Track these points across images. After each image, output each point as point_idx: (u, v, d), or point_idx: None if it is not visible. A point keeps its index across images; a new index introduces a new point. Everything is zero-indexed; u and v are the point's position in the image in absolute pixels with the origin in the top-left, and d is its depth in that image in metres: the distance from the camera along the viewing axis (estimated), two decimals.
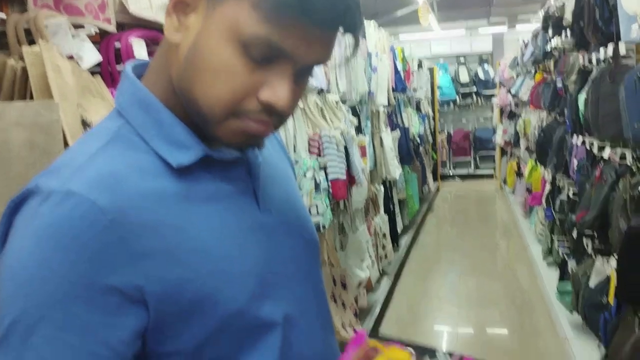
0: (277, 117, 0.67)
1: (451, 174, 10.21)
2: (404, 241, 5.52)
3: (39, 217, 0.60)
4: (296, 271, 0.78)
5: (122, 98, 0.72)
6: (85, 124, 1.18)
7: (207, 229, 0.67)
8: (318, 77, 2.94)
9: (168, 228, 0.64)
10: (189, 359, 0.67)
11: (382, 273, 4.37)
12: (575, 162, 3.56)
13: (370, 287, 3.80)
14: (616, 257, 2.38)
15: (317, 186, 2.67)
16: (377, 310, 3.86)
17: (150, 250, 0.62)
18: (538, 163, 5.06)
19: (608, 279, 2.74)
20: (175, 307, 0.64)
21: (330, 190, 2.86)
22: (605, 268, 2.80)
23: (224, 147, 0.71)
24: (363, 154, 3.53)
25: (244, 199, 0.73)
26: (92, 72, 1.33)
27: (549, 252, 4.60)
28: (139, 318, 0.62)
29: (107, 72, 1.42)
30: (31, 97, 1.10)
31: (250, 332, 0.69)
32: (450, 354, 0.64)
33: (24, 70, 1.09)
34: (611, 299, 2.61)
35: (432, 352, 0.64)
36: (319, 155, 2.81)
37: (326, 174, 2.81)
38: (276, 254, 0.75)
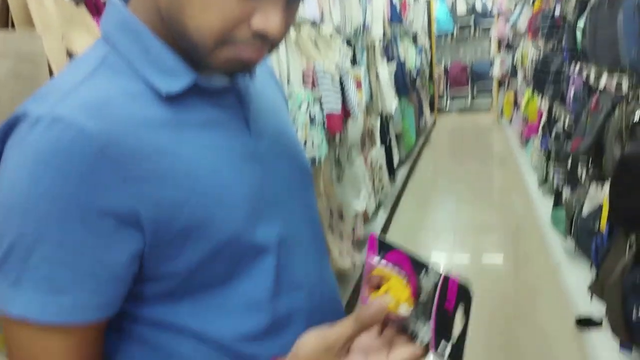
0: (269, 43, 0.67)
1: (448, 107, 10.15)
2: (401, 174, 5.56)
3: (29, 144, 0.60)
4: (289, 197, 0.79)
5: (108, 25, 0.70)
6: (70, 56, 1.16)
7: (199, 154, 0.67)
8: (311, 8, 2.87)
9: (159, 153, 0.64)
10: (184, 281, 0.69)
11: (379, 205, 4.42)
12: (572, 91, 3.53)
13: (367, 219, 3.86)
14: (609, 184, 2.40)
15: (312, 119, 2.66)
16: None
17: (142, 174, 0.63)
18: (535, 94, 5.02)
19: (601, 206, 2.78)
20: (170, 231, 0.65)
21: (326, 123, 2.85)
22: (599, 195, 2.84)
23: (214, 74, 0.70)
24: (358, 86, 3.49)
25: (236, 127, 0.73)
26: (76, 2, 1.30)
27: (544, 180, 4.65)
28: (135, 241, 0.64)
29: (90, 2, 1.38)
30: (12, 27, 1.07)
31: (244, 256, 0.71)
32: (440, 273, 0.65)
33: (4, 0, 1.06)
34: (603, 225, 2.65)
35: (426, 267, 0.66)
36: (314, 88, 2.78)
37: (321, 108, 2.79)
38: (269, 180, 0.75)
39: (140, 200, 0.62)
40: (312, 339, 0.64)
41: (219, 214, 0.68)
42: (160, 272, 0.67)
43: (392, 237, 4.34)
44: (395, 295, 0.65)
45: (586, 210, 2.97)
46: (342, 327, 0.64)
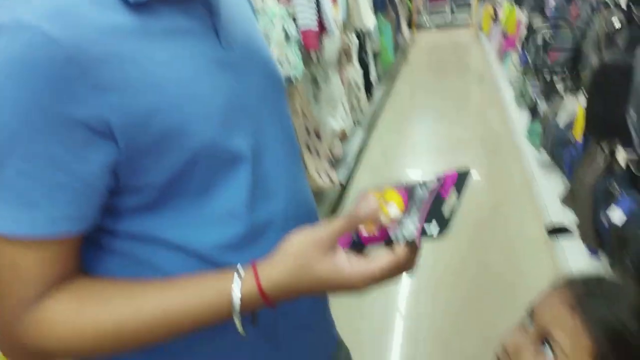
0: None
1: (426, 24, 9.95)
2: (379, 93, 5.52)
3: None
4: (263, 106, 0.78)
5: None
6: None
7: (169, 62, 0.66)
8: None
9: (129, 61, 0.62)
10: (161, 193, 0.68)
11: (357, 124, 4.41)
12: (552, 1, 3.46)
13: (344, 138, 3.85)
14: (585, 93, 2.41)
15: (286, 36, 2.58)
16: (352, 159, 3.95)
17: (112, 82, 0.61)
18: (514, 5, 4.93)
19: (576, 117, 2.81)
20: (143, 141, 0.64)
21: (301, 40, 2.78)
22: (574, 106, 2.86)
23: None
24: (334, 1, 3.38)
25: (205, 36, 0.71)
26: None
27: (521, 95, 4.67)
28: (108, 152, 0.63)
29: None
30: None
31: (220, 165, 0.70)
32: (438, 178, 0.68)
33: None
34: (578, 135, 2.69)
35: (422, 184, 0.68)
36: (288, 3, 2.69)
37: (296, 24, 2.71)
38: (241, 88, 0.74)
39: (110, 109, 0.61)
40: (301, 234, 0.66)
41: (192, 123, 0.67)
42: (137, 183, 0.67)
43: (369, 155, 4.38)
44: (388, 199, 0.67)
45: (561, 121, 2.99)
46: (332, 224, 0.65)
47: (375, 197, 0.67)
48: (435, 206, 0.65)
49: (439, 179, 0.68)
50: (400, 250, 0.64)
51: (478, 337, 2.28)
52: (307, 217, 0.83)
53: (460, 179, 0.67)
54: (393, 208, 0.66)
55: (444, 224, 0.63)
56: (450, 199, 0.65)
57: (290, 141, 0.85)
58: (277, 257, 0.66)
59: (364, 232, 0.67)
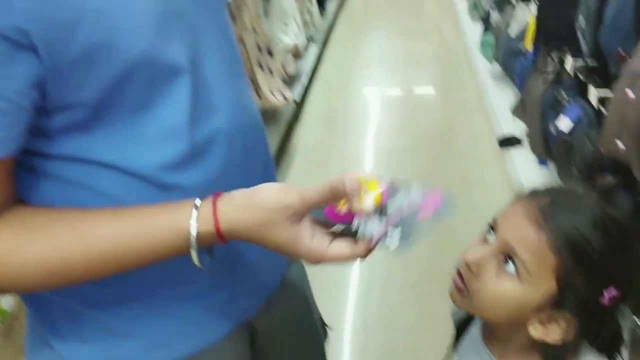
0: None
1: None
2: (332, 6, 5.36)
3: None
4: (199, 13, 0.73)
5: None
6: None
7: None
8: None
9: None
10: (96, 110, 0.64)
11: (310, 40, 4.30)
12: None
13: (297, 54, 3.76)
14: (536, 1, 2.40)
15: None
16: (306, 76, 3.88)
17: None
18: None
19: (527, 26, 2.80)
20: (69, 53, 0.59)
21: None
22: (526, 16, 2.85)
23: None
24: None
25: None
26: None
27: (474, 6, 4.63)
28: (30, 66, 0.58)
29: None
30: None
31: (157, 79, 0.66)
32: (424, 194, 0.68)
33: None
34: (528, 44, 2.69)
35: (407, 189, 0.68)
36: None
37: None
38: None
39: (27, 18, 0.56)
40: (276, 191, 0.64)
41: (122, 32, 0.62)
42: (67, 101, 0.63)
43: (324, 73, 4.31)
44: (369, 189, 0.66)
45: (513, 31, 2.99)
46: (308, 194, 0.63)
47: (360, 182, 0.66)
48: (407, 220, 0.65)
49: (424, 195, 0.67)
50: (361, 247, 0.65)
51: (436, 250, 2.34)
52: (252, 132, 0.81)
53: (443, 207, 0.67)
54: (369, 199, 0.65)
55: (405, 241, 0.63)
56: (424, 220, 0.65)
57: (232, 53, 0.80)
58: (243, 201, 0.65)
59: (334, 209, 0.67)
